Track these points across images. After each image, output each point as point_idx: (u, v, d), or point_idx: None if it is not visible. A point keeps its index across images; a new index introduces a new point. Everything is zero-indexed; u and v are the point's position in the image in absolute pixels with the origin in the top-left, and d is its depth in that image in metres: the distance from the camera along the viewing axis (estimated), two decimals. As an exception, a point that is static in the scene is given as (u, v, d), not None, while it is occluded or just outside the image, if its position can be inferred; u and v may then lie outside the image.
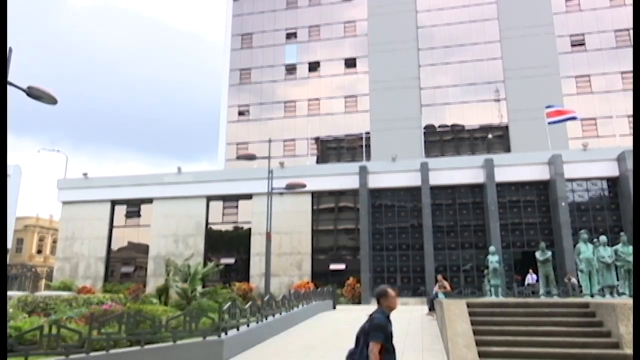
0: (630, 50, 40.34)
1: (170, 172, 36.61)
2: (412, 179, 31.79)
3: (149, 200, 36.06)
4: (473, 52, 42.87)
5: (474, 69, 42.55)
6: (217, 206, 35.58)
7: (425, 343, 11.98)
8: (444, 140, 42.76)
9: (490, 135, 41.75)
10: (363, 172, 32.30)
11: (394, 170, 32.53)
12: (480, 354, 9.40)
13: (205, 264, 28.96)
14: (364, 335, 4.51)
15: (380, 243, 32.15)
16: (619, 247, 15.67)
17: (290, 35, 47.94)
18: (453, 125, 42.58)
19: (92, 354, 8.16)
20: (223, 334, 10.17)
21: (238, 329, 11.22)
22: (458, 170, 31.87)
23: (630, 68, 39.95)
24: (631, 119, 38.93)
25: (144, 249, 35.84)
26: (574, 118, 32.55)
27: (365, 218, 31.42)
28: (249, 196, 34.14)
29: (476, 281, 28.90)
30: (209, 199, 35.31)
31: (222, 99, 48.21)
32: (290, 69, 46.95)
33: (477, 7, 43.81)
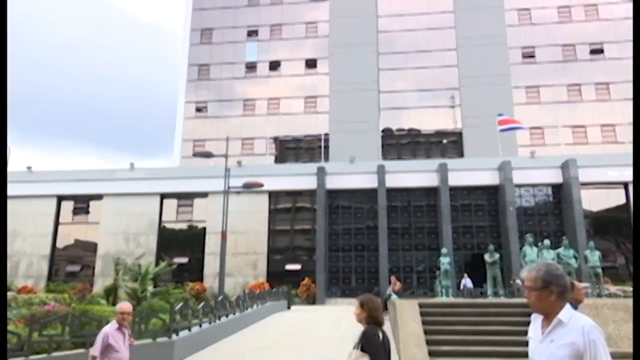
0: (576, 65, 42.61)
1: (122, 167, 35.40)
2: (369, 181, 32.21)
3: (99, 197, 34.70)
4: (431, 58, 43.97)
5: (432, 75, 43.65)
6: (171, 204, 34.72)
7: (378, 343, 12.14)
8: (401, 143, 43.61)
9: (445, 140, 42.94)
10: (321, 173, 32.43)
11: (352, 172, 32.86)
12: (430, 353, 9.63)
13: (157, 263, 28.16)
14: None
15: (336, 244, 32.37)
16: (560, 250, 16.55)
17: (252, 33, 47.49)
18: (410, 130, 43.50)
19: (32, 357, 7.78)
20: (174, 335, 9.93)
21: (190, 330, 10.99)
22: (414, 174, 32.58)
23: (576, 81, 42.20)
24: (575, 130, 41.12)
25: (92, 247, 34.45)
26: (522, 128, 34.08)
27: (322, 219, 31.55)
28: (204, 194, 33.52)
29: (428, 282, 29.61)
30: (163, 196, 34.40)
31: (179, 95, 47.13)
32: (251, 67, 46.50)
33: (435, 15, 44.97)
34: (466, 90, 42.53)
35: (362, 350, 3.92)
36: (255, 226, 32.70)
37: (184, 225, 34.82)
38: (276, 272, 32.07)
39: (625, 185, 30.92)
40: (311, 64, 45.74)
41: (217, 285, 21.86)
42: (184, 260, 33.14)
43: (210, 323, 12.32)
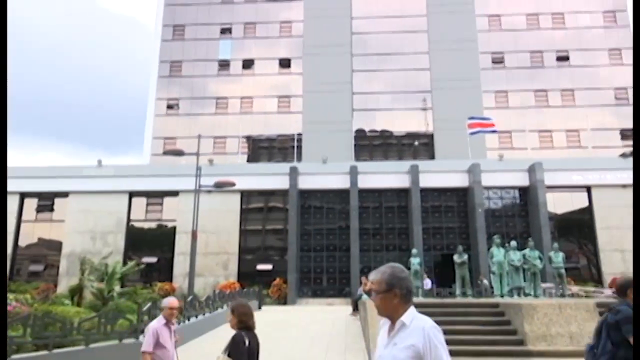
0: (543, 71, 43.92)
1: (90, 164, 34.46)
2: (341, 182, 32.35)
3: (65, 194, 33.68)
4: (404, 61, 44.51)
5: (404, 78, 44.19)
6: (140, 202, 34.00)
7: (348, 342, 12.23)
8: (373, 144, 43.98)
9: (416, 142, 43.54)
10: (293, 173, 32.37)
11: (324, 172, 32.93)
12: (399, 353, 9.72)
13: (125, 263, 27.60)
14: (608, 329, 4.01)
15: (308, 244, 32.38)
16: (526, 251, 17.01)
17: (225, 31, 47.01)
18: (382, 131, 43.92)
19: (-9, 360, 7.45)
20: (141, 336, 9.73)
21: (158, 331, 10.77)
22: (385, 175, 32.90)
23: (543, 87, 43.49)
24: (541, 134, 42.37)
25: (56, 246, 33.39)
26: (493, 131, 34.86)
27: (294, 219, 31.49)
28: (175, 193, 32.98)
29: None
30: (132, 194, 33.67)
31: (150, 91, 46.22)
32: (224, 65, 46.04)
33: (409, 19, 45.55)
34: (438, 93, 43.24)
35: (229, 355, 4.05)
36: (226, 226, 32.38)
37: (153, 224, 34.16)
38: (247, 272, 31.84)
39: (588, 188, 32.04)
40: (285, 63, 45.63)
41: (187, 285, 21.56)
42: (153, 259, 32.51)
43: (179, 324, 12.13)
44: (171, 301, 5.96)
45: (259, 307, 22.89)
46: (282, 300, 29.57)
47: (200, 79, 45.68)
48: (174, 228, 32.70)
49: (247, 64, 45.82)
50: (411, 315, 2.63)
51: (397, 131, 43.69)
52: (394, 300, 2.63)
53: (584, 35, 44.23)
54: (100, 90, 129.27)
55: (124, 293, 21.95)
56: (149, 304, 10.87)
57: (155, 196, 33.93)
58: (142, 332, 9.83)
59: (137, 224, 33.85)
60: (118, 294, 20.98)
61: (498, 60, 44.34)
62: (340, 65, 44.20)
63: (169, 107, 45.49)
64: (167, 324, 5.83)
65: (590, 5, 45.08)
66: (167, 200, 33.77)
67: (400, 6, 46.02)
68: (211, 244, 31.85)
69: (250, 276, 31.38)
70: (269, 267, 32.23)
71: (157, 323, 5.77)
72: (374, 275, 2.75)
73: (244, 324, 4.23)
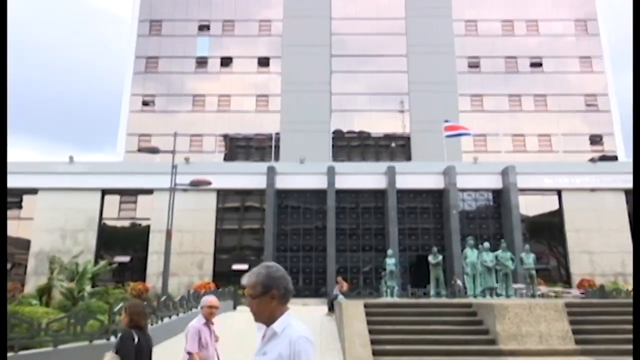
0: (517, 76, 44.88)
1: (61, 160, 33.58)
2: (319, 182, 32.37)
3: (34, 191, 32.73)
4: (382, 63, 44.83)
5: (382, 80, 44.52)
6: (113, 200, 33.32)
7: (324, 342, 12.23)
8: (351, 145, 44.17)
9: (393, 144, 43.92)
10: (271, 173, 32.24)
11: (302, 172, 32.90)
12: (374, 352, 9.81)
13: (96, 262, 26.99)
14: None
15: (284, 244, 32.30)
16: (499, 252, 17.35)
17: (203, 28, 46.49)
18: (360, 132, 44.15)
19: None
20: (113, 337, 9.53)
21: (130, 332, 10.57)
22: (363, 176, 33.07)
23: (517, 92, 44.43)
24: (515, 138, 43.29)
25: (24, 244, 32.40)
26: (467, 134, 35.46)
27: (270, 218, 31.36)
28: (149, 191, 32.42)
29: (374, 282, 30.16)
30: (105, 192, 32.96)
31: (125, 86, 45.32)
32: (201, 62, 45.51)
33: (387, 21, 45.91)
34: (415, 95, 43.72)
35: (116, 352, 4.12)
36: (202, 225, 32.02)
37: (126, 223, 33.52)
38: (223, 272, 31.55)
39: (559, 192, 32.90)
40: (264, 62, 45.40)
41: (161, 285, 21.22)
42: (126, 259, 31.90)
43: (152, 324, 11.93)
44: (210, 299, 5.78)
45: (234, 308, 22.70)
46: (258, 301, 29.35)
47: (177, 75, 45.04)
48: (148, 227, 32.15)
49: (226, 61, 45.41)
50: (284, 322, 2.46)
51: (374, 132, 43.99)
52: (271, 303, 2.47)
53: (556, 42, 45.40)
54: (74, 85, 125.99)
55: (95, 293, 21.47)
56: (120, 304, 10.65)
57: (128, 194, 33.30)
58: (114, 332, 9.63)
59: (109, 222, 33.15)
60: (89, 294, 20.51)
61: (474, 65, 45.12)
62: (319, 66, 44.23)
63: (145, 103, 44.71)
64: (207, 323, 5.66)
65: (563, 14, 46.31)
66: (141, 199, 33.18)
67: (379, 9, 46.36)
68: (186, 243, 31.45)
69: (226, 276, 31.09)
70: (244, 267, 31.97)
71: (197, 322, 5.58)
72: (247, 278, 2.55)
73: (135, 323, 4.30)
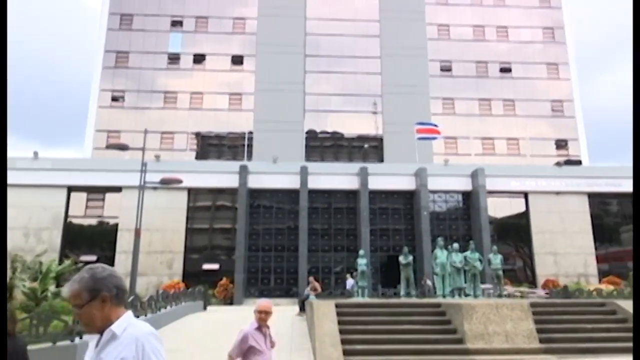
0: (487, 81, 45.89)
1: (24, 156, 32.44)
2: (291, 182, 32.31)
3: (-5, 187, 31.49)
4: (356, 64, 45.09)
5: (356, 81, 44.78)
6: (79, 198, 32.41)
7: (295, 342, 12.21)
8: (324, 146, 44.24)
9: (366, 145, 44.24)
10: (243, 172, 31.99)
11: (275, 171, 32.77)
12: (345, 352, 9.85)
13: (61, 261, 26.21)
14: None
15: (256, 244, 32.09)
16: (468, 253, 17.71)
17: (176, 23, 45.72)
18: (333, 133, 44.29)
19: None
20: (77, 338, 9.26)
21: (95, 333, 10.29)
22: (335, 176, 33.20)
23: (487, 96, 45.42)
24: (485, 142, 44.26)
25: (-16, 242, 31.16)
26: (435, 138, 36.01)
27: (242, 218, 31.12)
28: (118, 189, 31.68)
29: (346, 283, 30.28)
30: (71, 189, 32.02)
31: (93, 81, 44.13)
32: (174, 59, 44.75)
33: (362, 23, 46.21)
34: (388, 97, 44.14)
35: None
36: (172, 224, 31.50)
37: (93, 221, 32.64)
38: (193, 272, 31.11)
39: (525, 195, 33.82)
40: (237, 60, 44.99)
41: (129, 285, 20.74)
42: (92, 258, 31.02)
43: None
44: (262, 304, 5.54)
45: (204, 308, 22.43)
46: (229, 301, 29.13)
47: (149, 71, 44.15)
48: (116, 225, 31.42)
49: (198, 58, 44.79)
50: (125, 322, 2.17)
51: (347, 133, 44.21)
52: (104, 307, 2.16)
53: (525, 49, 46.66)
54: (38, 77, 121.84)
55: (59, 293, 20.83)
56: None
57: (96, 192, 32.46)
58: (78, 334, 9.36)
59: (75, 221, 32.23)
60: (53, 294, 19.89)
61: (446, 69, 45.90)
62: (293, 65, 44.14)
63: (114, 99, 43.65)
64: (260, 328, 5.44)
65: (532, 21, 47.63)
66: (109, 197, 32.39)
67: (354, 10, 46.62)
68: (155, 242, 30.88)
69: (196, 276, 30.69)
70: (215, 266, 31.65)
71: (249, 328, 5.40)
72: (68, 288, 2.19)
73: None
